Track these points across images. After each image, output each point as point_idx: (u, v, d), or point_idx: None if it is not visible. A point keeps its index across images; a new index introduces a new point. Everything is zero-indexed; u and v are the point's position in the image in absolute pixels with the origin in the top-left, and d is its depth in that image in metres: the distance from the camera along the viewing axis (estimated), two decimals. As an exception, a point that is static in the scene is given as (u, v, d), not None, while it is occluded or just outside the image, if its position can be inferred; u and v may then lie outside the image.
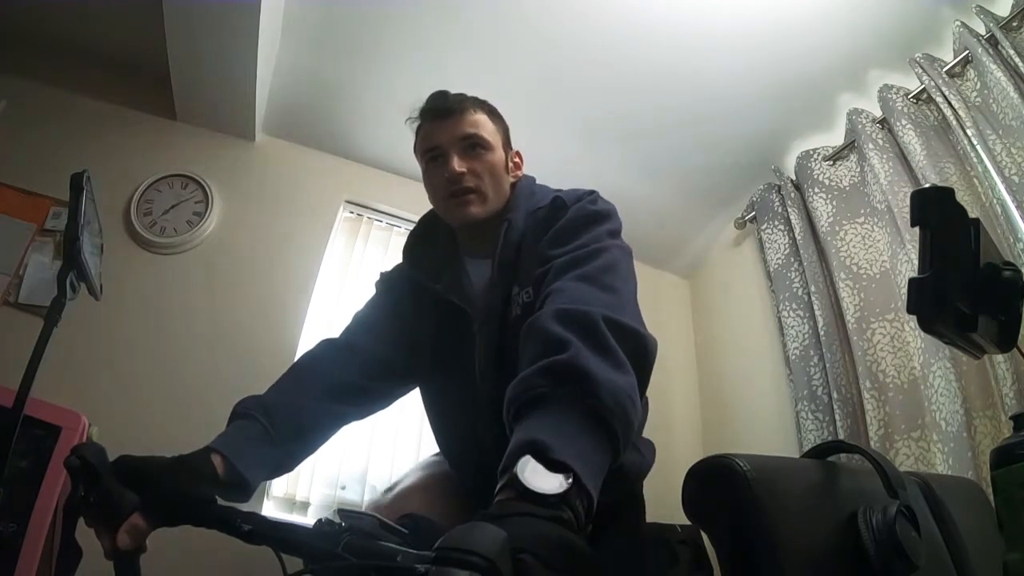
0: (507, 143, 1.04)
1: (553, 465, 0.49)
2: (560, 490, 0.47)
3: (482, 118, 1.00)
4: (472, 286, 0.98)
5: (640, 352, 0.67)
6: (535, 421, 0.56)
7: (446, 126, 0.97)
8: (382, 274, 1.11)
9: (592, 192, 0.95)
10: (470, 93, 1.04)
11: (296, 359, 0.97)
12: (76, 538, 0.64)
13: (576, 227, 0.87)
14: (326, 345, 0.98)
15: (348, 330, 1.02)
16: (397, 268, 1.10)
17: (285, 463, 0.82)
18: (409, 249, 1.07)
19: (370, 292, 1.10)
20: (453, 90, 1.03)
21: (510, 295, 0.91)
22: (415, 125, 1.03)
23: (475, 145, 0.97)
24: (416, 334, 0.99)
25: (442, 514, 0.90)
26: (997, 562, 0.56)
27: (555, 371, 0.59)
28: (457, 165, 0.94)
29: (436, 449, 1.12)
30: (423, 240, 1.07)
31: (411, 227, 2.43)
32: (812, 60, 1.86)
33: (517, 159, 1.06)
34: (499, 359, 0.90)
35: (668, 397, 2.41)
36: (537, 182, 1.06)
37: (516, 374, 0.63)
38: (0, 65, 1.96)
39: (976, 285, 0.52)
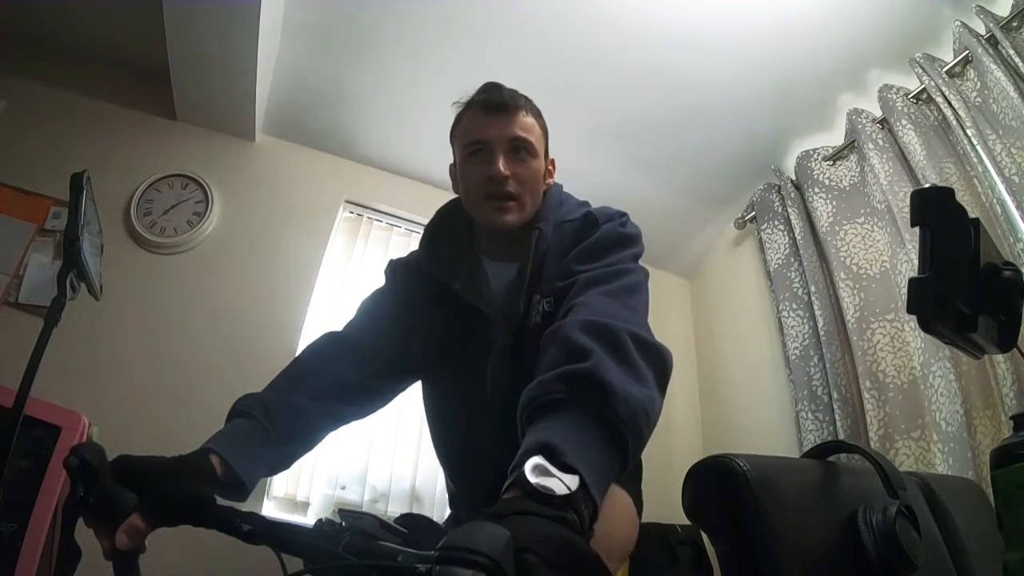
0: (547, 150, 1.02)
1: (563, 469, 0.49)
2: (567, 493, 0.47)
3: (532, 122, 0.97)
4: (490, 288, 0.97)
5: (661, 367, 0.69)
6: (549, 424, 0.56)
7: (497, 122, 0.94)
8: (392, 262, 1.08)
9: (624, 214, 0.94)
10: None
11: (298, 353, 0.96)
12: (75, 538, 0.64)
13: (605, 246, 0.87)
14: (329, 339, 0.96)
15: (352, 323, 1.00)
16: (411, 257, 1.07)
17: (283, 462, 0.81)
18: (427, 241, 1.04)
19: (376, 283, 1.07)
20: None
21: (531, 302, 0.90)
22: (458, 111, 1.00)
23: (522, 149, 0.94)
24: (423, 330, 0.98)
25: None
26: (997, 562, 0.56)
27: (575, 378, 0.59)
28: (503, 167, 0.92)
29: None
30: (441, 233, 1.04)
31: (411, 227, 2.45)
32: (812, 60, 1.86)
33: (551, 167, 1.04)
34: (513, 365, 0.89)
35: (668, 397, 2.37)
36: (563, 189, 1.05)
37: (530, 380, 0.63)
38: (0, 65, 1.96)
39: (976, 285, 0.52)
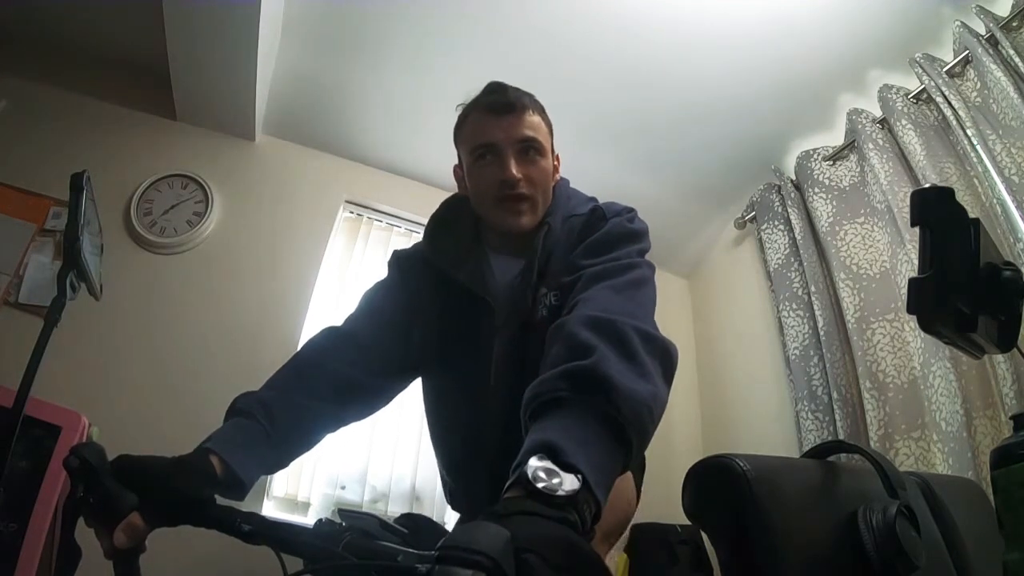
0: (552, 146, 1.01)
1: (564, 468, 0.49)
2: (568, 492, 0.47)
3: (539, 120, 0.96)
4: (495, 280, 0.95)
5: (666, 362, 0.68)
6: (551, 423, 0.56)
7: (504, 124, 0.92)
8: (396, 253, 1.07)
9: (631, 210, 0.94)
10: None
11: (299, 348, 0.95)
12: (75, 538, 0.64)
13: (611, 241, 0.87)
14: (329, 334, 0.95)
15: (353, 317, 0.98)
16: (414, 249, 1.06)
17: (281, 461, 0.81)
18: (430, 232, 1.03)
19: (377, 279, 1.06)
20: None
21: (536, 295, 0.90)
22: (462, 112, 0.99)
23: (532, 149, 0.93)
24: (425, 322, 0.97)
25: None
26: (997, 562, 0.56)
27: (577, 376, 0.59)
28: (515, 170, 0.91)
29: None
30: (445, 225, 1.03)
31: (411, 227, 2.45)
32: (812, 60, 1.86)
33: (557, 162, 1.03)
34: (518, 359, 0.88)
35: (668, 397, 2.41)
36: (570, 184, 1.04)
37: (535, 375, 0.63)
38: (0, 65, 1.96)
39: (976, 285, 0.52)
